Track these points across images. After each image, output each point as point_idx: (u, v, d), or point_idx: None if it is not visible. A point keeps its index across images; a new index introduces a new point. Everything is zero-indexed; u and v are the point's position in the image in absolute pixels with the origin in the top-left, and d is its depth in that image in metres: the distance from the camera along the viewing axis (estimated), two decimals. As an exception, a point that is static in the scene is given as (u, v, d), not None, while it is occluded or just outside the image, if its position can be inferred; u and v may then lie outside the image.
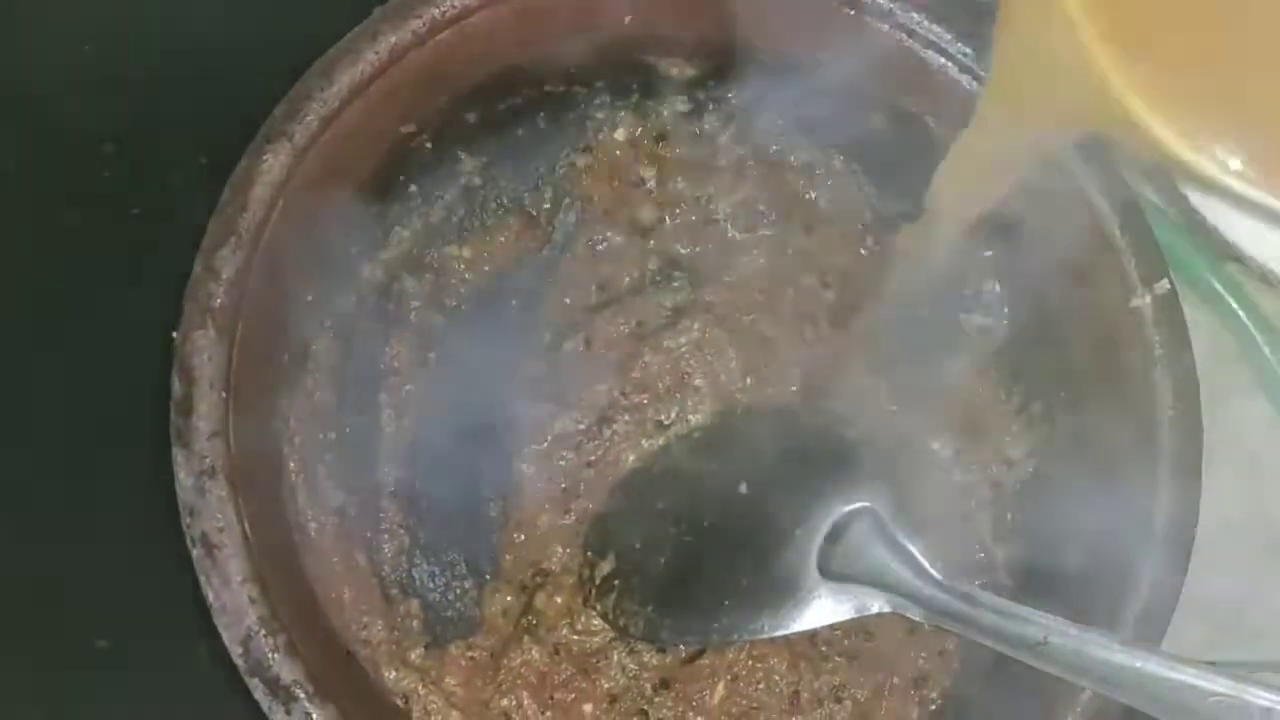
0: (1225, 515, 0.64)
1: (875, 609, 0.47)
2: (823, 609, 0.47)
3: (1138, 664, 0.40)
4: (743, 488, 0.50)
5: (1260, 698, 0.38)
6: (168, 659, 0.54)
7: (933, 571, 0.47)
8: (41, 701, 0.55)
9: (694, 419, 0.53)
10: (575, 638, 0.51)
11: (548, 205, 0.57)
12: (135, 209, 0.61)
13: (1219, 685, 0.39)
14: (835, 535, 0.48)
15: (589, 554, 0.51)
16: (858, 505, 0.48)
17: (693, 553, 0.50)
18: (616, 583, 0.50)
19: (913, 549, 0.47)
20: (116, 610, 0.56)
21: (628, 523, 0.51)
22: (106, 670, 0.55)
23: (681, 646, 0.50)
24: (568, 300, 0.55)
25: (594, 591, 0.50)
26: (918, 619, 0.47)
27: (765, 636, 0.48)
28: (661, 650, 0.50)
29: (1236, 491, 0.65)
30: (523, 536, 0.52)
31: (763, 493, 0.50)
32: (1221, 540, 0.64)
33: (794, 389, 0.53)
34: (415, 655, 0.50)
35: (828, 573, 0.48)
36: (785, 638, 0.50)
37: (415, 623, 0.51)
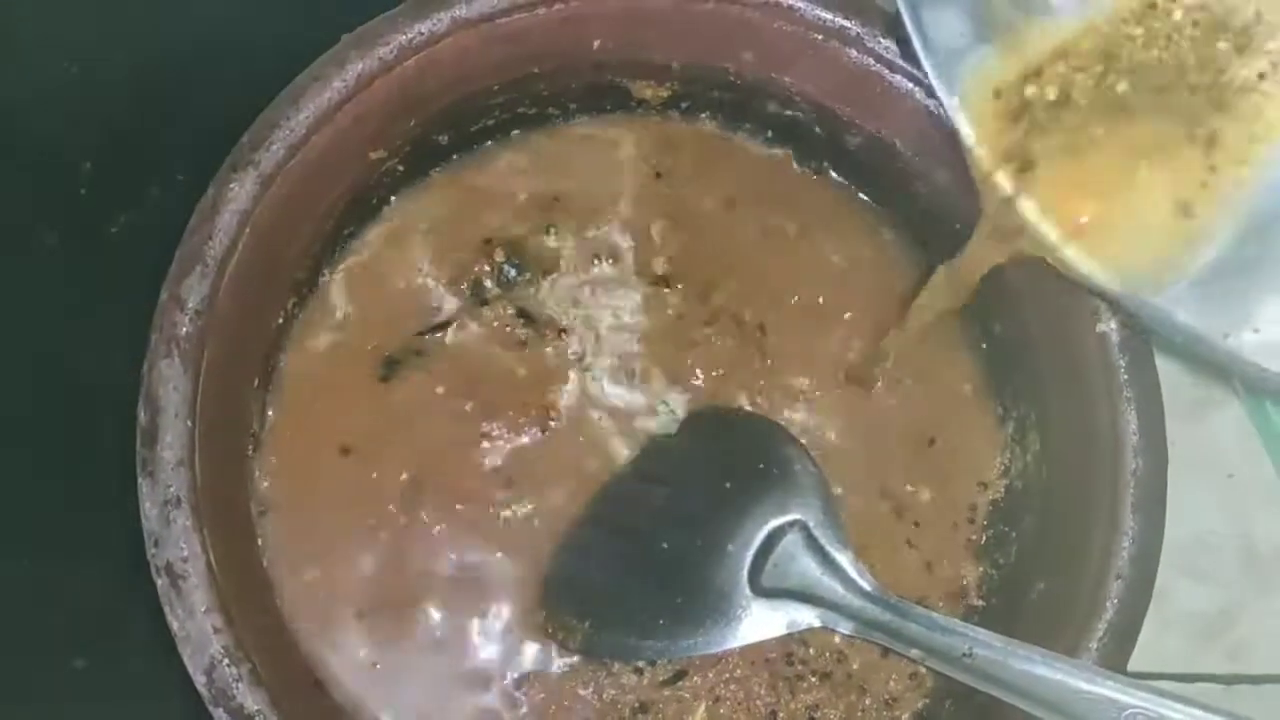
0: (1203, 529, 0.65)
1: (805, 624, 0.47)
2: (754, 625, 0.47)
3: (1059, 676, 0.41)
4: (678, 501, 0.50)
5: (1177, 711, 0.39)
6: (145, 681, 0.54)
7: (862, 582, 0.47)
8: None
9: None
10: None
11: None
12: (113, 227, 0.61)
13: (1137, 699, 0.40)
14: (766, 550, 0.48)
15: None
16: (788, 518, 0.48)
17: (628, 568, 0.50)
18: (552, 595, 0.50)
19: (844, 560, 0.47)
20: (95, 631, 0.56)
21: (564, 537, 0.51)
22: (83, 690, 0.56)
23: (657, 668, 0.51)
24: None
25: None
26: (846, 633, 0.47)
27: (700, 654, 0.49)
28: (638, 672, 0.51)
29: (1214, 505, 0.65)
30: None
31: (697, 507, 0.50)
32: (1200, 554, 0.65)
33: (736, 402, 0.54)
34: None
35: (759, 588, 0.48)
36: (724, 655, 0.50)
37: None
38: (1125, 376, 0.46)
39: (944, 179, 0.51)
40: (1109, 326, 0.47)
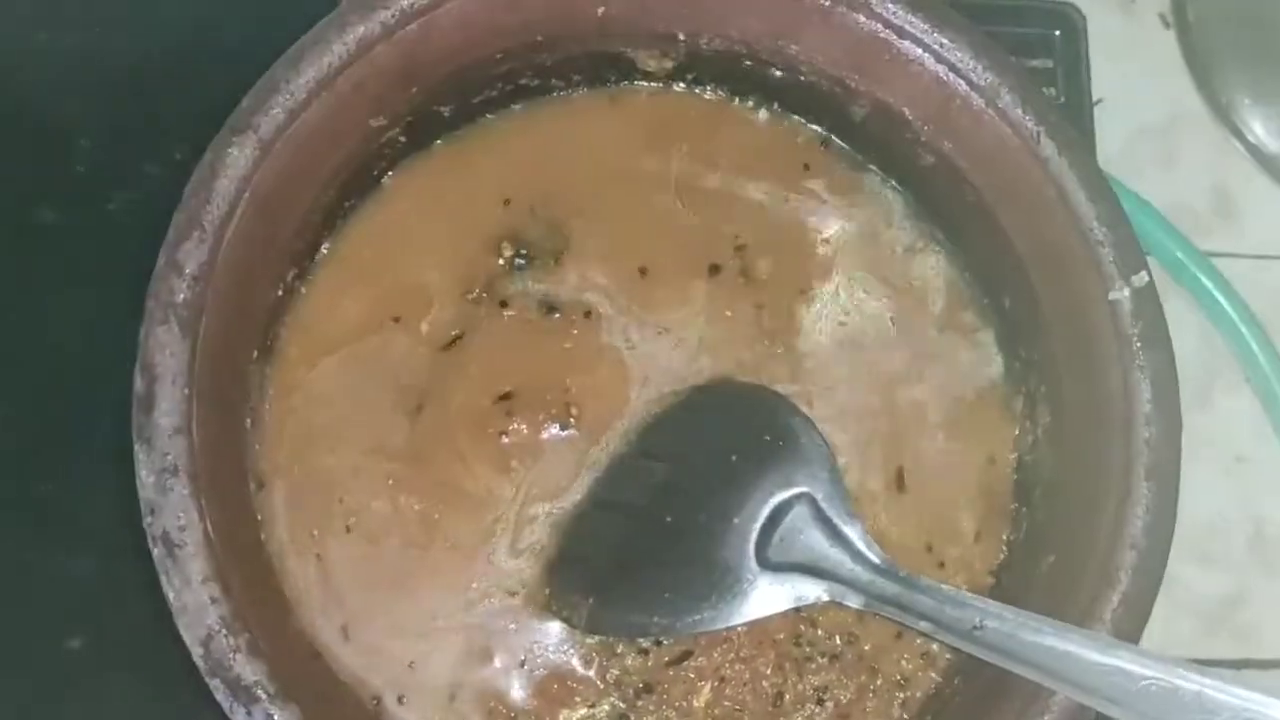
0: (1213, 512, 0.65)
1: (812, 598, 0.47)
2: (762, 600, 0.47)
3: (1071, 648, 0.41)
4: (681, 476, 0.50)
5: (1190, 681, 0.38)
6: (142, 658, 0.53)
7: (871, 555, 0.47)
8: (11, 702, 0.54)
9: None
10: (551, 638, 0.50)
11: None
12: (111, 204, 0.60)
13: (1150, 670, 0.39)
14: (773, 523, 0.47)
15: None
16: (794, 491, 0.47)
17: (634, 543, 0.49)
18: (558, 573, 0.50)
19: (852, 532, 0.47)
20: (90, 609, 0.55)
21: (569, 512, 0.51)
22: (79, 670, 0.55)
23: (662, 648, 0.50)
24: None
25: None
26: (855, 606, 0.46)
27: (707, 630, 0.48)
28: (643, 652, 0.50)
29: (1224, 489, 0.65)
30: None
31: (702, 481, 0.49)
32: (1210, 537, 0.64)
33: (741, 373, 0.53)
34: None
35: (766, 562, 0.47)
36: (731, 630, 0.49)
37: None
38: (1138, 345, 0.46)
39: (953, 148, 0.50)
40: (1121, 295, 0.46)
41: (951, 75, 0.48)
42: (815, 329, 0.54)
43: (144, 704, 0.55)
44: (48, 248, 0.60)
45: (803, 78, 0.52)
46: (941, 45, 0.48)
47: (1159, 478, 0.44)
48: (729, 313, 0.53)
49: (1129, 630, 0.44)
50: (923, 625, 0.45)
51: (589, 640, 0.50)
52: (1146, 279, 0.46)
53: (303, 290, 0.52)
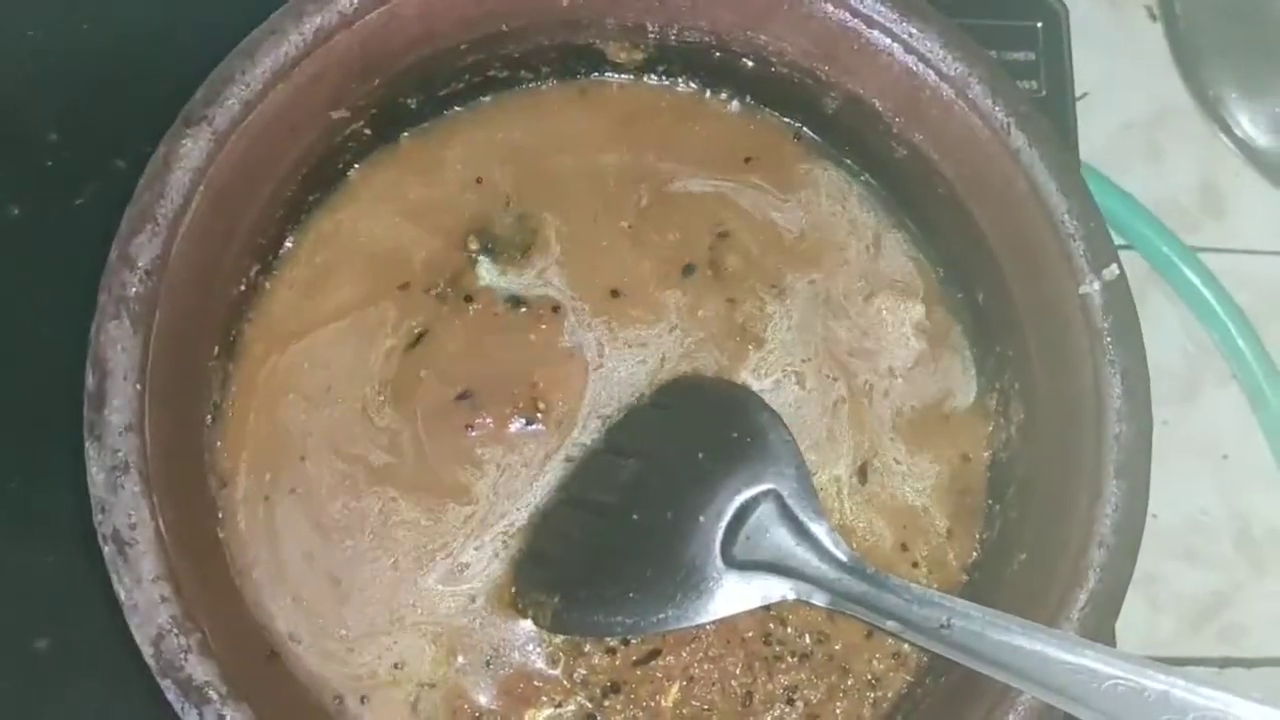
0: (1198, 510, 0.64)
1: (778, 596, 0.46)
2: (727, 598, 0.46)
3: (1038, 647, 0.40)
4: (648, 473, 0.49)
5: (1156, 681, 0.38)
6: (109, 659, 0.52)
7: (838, 553, 0.46)
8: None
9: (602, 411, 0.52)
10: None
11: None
12: (79, 199, 0.59)
13: (1116, 669, 0.39)
14: (739, 521, 0.47)
15: None
16: (761, 488, 0.47)
17: (601, 542, 0.48)
18: (524, 570, 0.49)
19: (819, 530, 0.46)
20: (56, 610, 0.55)
21: (536, 509, 0.50)
22: (46, 670, 0.54)
23: (630, 647, 0.49)
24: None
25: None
26: (822, 605, 0.46)
27: (672, 629, 0.47)
28: (610, 651, 0.49)
29: (1208, 487, 0.64)
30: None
31: (668, 478, 0.48)
32: (1193, 536, 0.64)
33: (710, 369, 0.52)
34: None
35: (732, 561, 0.46)
36: (698, 629, 0.49)
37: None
38: (1109, 339, 0.45)
39: (924, 140, 0.49)
40: (1092, 289, 0.45)
41: (921, 66, 0.47)
42: (785, 323, 0.53)
43: (112, 704, 0.54)
44: (13, 243, 0.59)
45: (774, 69, 0.52)
46: (910, 35, 0.47)
47: (1129, 475, 0.44)
48: (701, 311, 0.53)
49: (1097, 629, 0.43)
50: (890, 624, 0.44)
51: (555, 639, 0.49)
52: (1117, 272, 0.45)
53: (266, 286, 0.51)
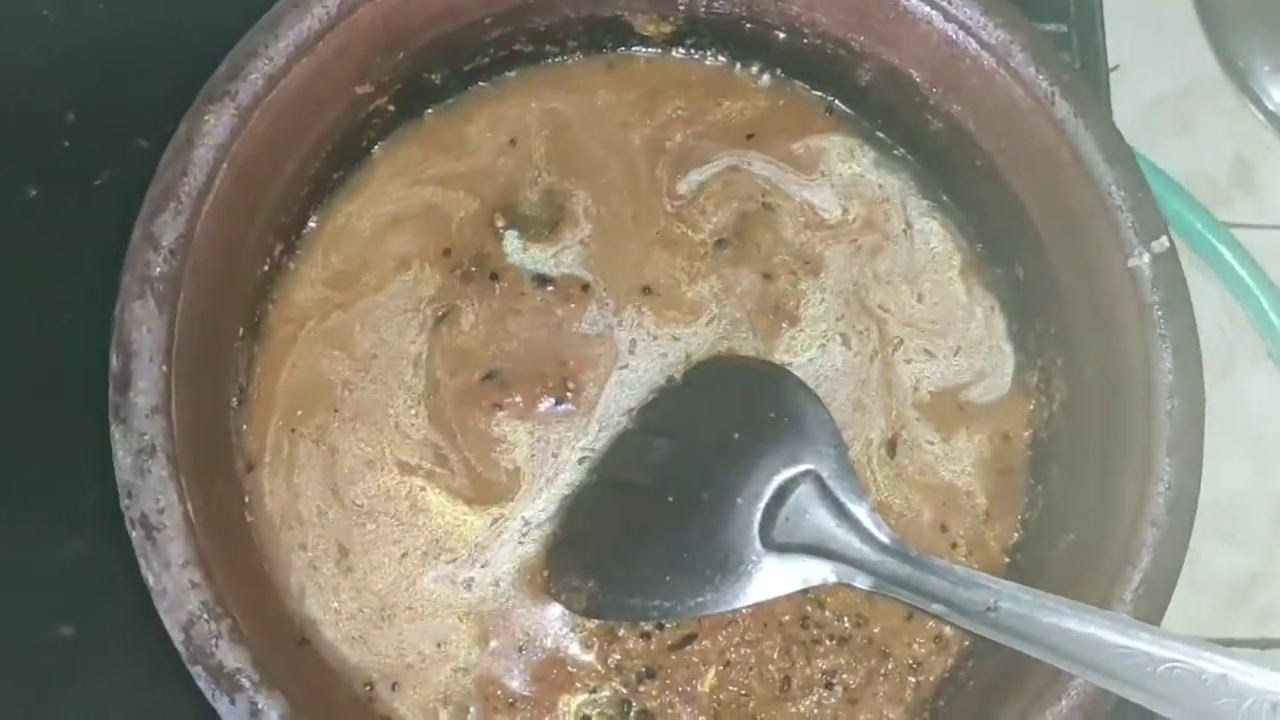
0: (1232, 490, 0.63)
1: (819, 579, 0.45)
2: (767, 582, 0.45)
3: (1090, 630, 0.39)
4: (684, 454, 0.48)
5: (1215, 664, 0.37)
6: (135, 645, 0.51)
7: (880, 535, 0.45)
8: (3, 692, 0.53)
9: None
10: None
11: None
12: (97, 180, 0.59)
13: (1173, 652, 0.38)
14: (778, 502, 0.46)
15: None
16: (800, 468, 0.46)
17: (635, 524, 0.47)
18: (557, 554, 0.48)
19: (860, 511, 0.45)
20: (81, 596, 0.54)
21: (569, 491, 0.49)
22: (72, 656, 0.53)
23: (665, 632, 0.48)
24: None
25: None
26: (865, 588, 0.45)
27: (709, 613, 0.46)
28: (645, 636, 0.48)
29: (1244, 467, 0.63)
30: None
31: (704, 459, 0.47)
32: (1228, 516, 0.63)
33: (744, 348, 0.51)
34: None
35: (770, 543, 0.45)
36: (735, 616, 0.48)
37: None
38: (1159, 313, 0.44)
39: (962, 111, 0.48)
40: (1141, 261, 0.44)
41: (961, 34, 0.46)
42: (818, 298, 0.52)
43: (137, 692, 0.53)
44: (31, 225, 0.58)
45: (806, 40, 0.51)
46: (950, 2, 0.46)
47: (1182, 452, 0.43)
48: (734, 289, 0.52)
49: (1150, 611, 0.42)
50: (935, 608, 0.43)
51: (589, 624, 0.48)
52: (1167, 244, 0.44)
53: (290, 266, 0.51)
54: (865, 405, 0.51)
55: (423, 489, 0.49)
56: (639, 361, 0.51)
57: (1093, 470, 0.46)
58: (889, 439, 0.51)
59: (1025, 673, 0.43)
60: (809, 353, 0.51)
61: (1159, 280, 0.44)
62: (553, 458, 0.50)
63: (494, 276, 0.51)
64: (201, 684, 0.39)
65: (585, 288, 0.51)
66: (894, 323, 0.52)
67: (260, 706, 0.39)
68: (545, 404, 0.50)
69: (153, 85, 0.58)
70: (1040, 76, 0.45)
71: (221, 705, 0.39)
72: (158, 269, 0.42)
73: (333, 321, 0.50)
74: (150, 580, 0.40)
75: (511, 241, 0.52)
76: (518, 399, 0.50)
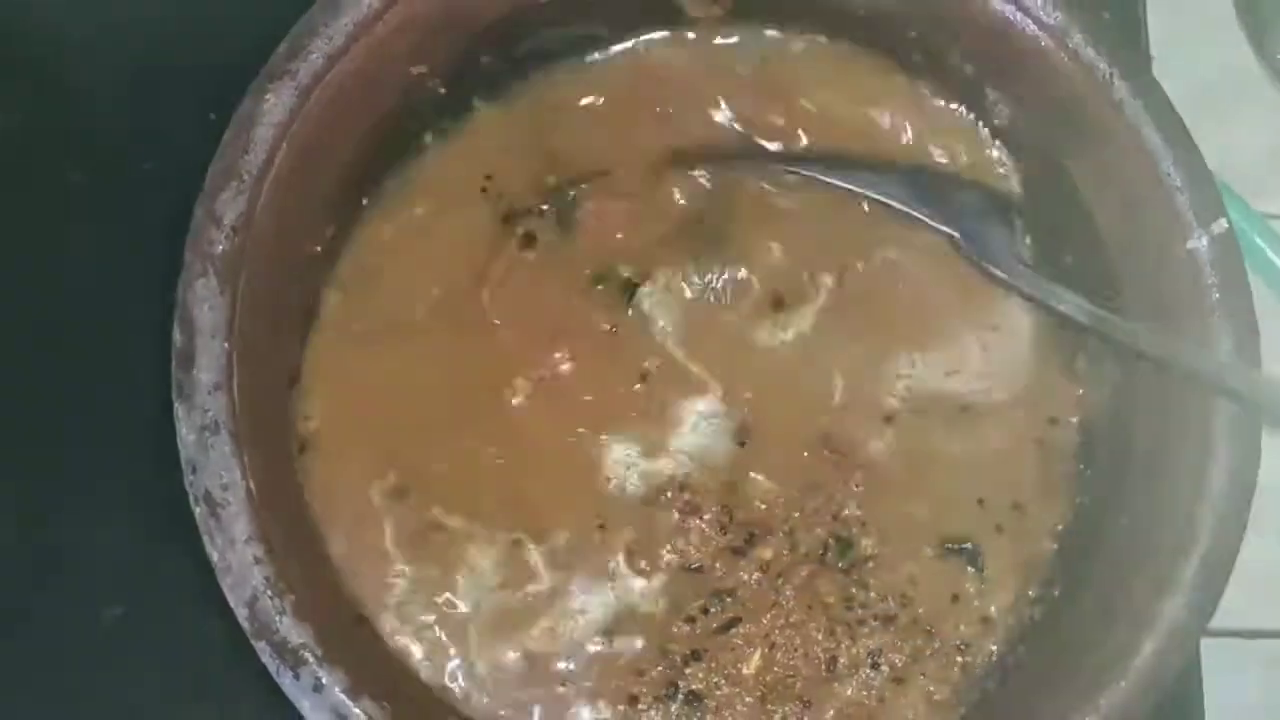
0: (1266, 481, 0.62)
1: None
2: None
3: None
4: None
5: None
6: (184, 625, 0.52)
7: None
8: (53, 671, 0.53)
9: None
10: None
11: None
12: (145, 164, 0.59)
13: None
14: None
15: None
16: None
17: None
18: None
19: None
20: (129, 577, 0.54)
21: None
22: (122, 636, 0.54)
23: (709, 615, 0.49)
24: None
25: None
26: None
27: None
28: (690, 620, 0.48)
29: (1271, 453, 0.63)
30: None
31: None
32: (1260, 504, 0.62)
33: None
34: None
35: None
36: (780, 596, 0.48)
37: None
38: (1217, 295, 0.44)
39: (1016, 93, 0.48)
40: (1200, 243, 0.44)
41: (1019, 15, 0.46)
42: (864, 282, 0.52)
43: (185, 671, 0.53)
44: (79, 211, 0.58)
45: (862, 12, 0.50)
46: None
47: (1241, 435, 0.43)
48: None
49: (1207, 595, 0.42)
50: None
51: (638, 609, 0.48)
52: (1226, 225, 0.44)
53: (343, 249, 0.50)
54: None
55: (486, 474, 0.49)
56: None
57: (1147, 454, 0.46)
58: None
59: (1076, 662, 0.43)
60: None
61: (1218, 262, 0.44)
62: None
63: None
64: (265, 659, 0.40)
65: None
66: (948, 309, 0.52)
67: (324, 680, 0.39)
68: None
69: (195, 71, 0.58)
70: (1100, 58, 0.45)
71: (285, 680, 0.39)
72: (220, 247, 0.42)
73: (383, 315, 0.50)
74: (215, 556, 0.40)
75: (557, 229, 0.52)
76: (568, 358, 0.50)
